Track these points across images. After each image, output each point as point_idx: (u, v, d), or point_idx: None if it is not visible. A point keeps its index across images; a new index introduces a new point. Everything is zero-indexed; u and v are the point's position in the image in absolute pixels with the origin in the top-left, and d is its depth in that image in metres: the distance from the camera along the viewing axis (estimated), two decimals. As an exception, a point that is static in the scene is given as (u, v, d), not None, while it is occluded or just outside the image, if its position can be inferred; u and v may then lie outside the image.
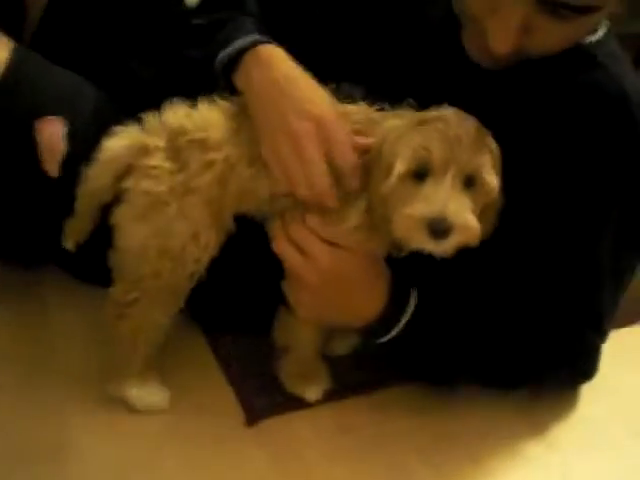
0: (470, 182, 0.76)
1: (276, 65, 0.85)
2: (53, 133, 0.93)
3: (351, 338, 1.02)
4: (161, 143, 0.84)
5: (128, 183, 0.84)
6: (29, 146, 0.94)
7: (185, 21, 1.03)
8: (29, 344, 1.01)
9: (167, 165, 0.83)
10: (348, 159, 0.80)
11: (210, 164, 0.83)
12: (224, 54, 0.88)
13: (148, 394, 0.91)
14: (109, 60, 1.10)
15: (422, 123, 0.77)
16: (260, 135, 0.83)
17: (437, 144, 0.74)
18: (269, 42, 0.88)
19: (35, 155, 0.94)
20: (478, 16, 0.80)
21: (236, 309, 1.03)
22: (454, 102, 0.80)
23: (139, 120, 0.86)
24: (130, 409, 0.91)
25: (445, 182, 0.74)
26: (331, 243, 0.84)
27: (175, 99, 0.86)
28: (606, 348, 0.96)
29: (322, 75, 0.88)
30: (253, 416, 0.92)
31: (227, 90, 0.89)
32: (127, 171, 0.84)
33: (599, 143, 0.85)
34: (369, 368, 1.01)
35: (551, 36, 0.78)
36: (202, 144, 0.83)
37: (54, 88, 0.98)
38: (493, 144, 0.79)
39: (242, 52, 0.87)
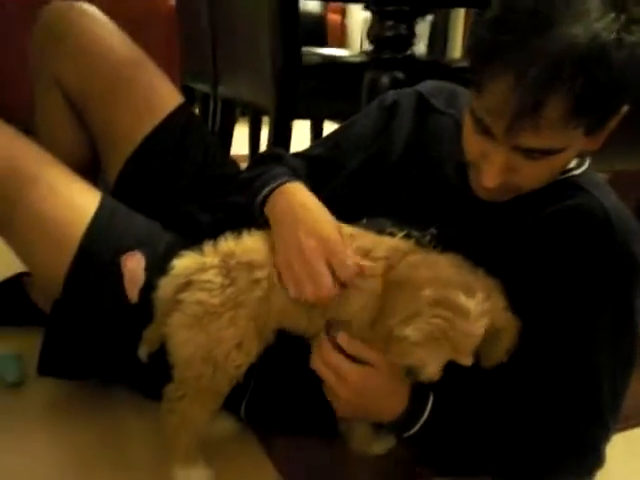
0: None
1: (294, 195, 1.06)
2: (135, 266, 1.11)
3: (388, 440, 1.17)
4: (215, 261, 1.01)
5: (183, 295, 1.00)
6: (115, 277, 1.12)
7: (235, 177, 1.27)
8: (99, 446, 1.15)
9: (219, 280, 0.99)
10: (344, 270, 0.99)
11: (256, 282, 1.00)
12: (261, 195, 1.09)
13: (194, 475, 1.04)
14: (176, 209, 1.32)
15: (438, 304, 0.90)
16: (277, 250, 1.02)
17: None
18: (296, 180, 1.09)
19: (119, 284, 1.12)
20: (474, 161, 1.01)
21: (290, 410, 1.17)
22: (466, 231, 1.03)
23: (200, 249, 1.04)
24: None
25: None
26: (358, 360, 1.00)
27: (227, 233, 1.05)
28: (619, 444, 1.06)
29: (364, 213, 1.12)
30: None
31: (265, 225, 1.08)
32: (186, 285, 1.00)
33: (586, 257, 1.00)
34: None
35: (531, 172, 0.97)
36: (249, 265, 1.01)
37: (136, 229, 1.18)
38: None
39: (273, 190, 1.08)
